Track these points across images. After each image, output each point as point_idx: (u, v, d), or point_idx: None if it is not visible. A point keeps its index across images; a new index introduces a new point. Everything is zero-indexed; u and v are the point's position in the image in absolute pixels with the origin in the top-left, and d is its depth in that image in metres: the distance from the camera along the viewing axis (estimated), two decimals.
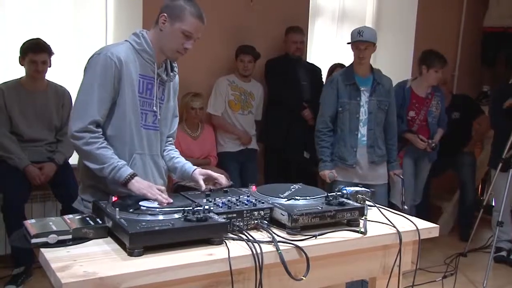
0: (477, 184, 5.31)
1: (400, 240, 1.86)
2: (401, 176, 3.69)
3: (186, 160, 2.31)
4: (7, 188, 3.28)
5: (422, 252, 4.46)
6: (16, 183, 3.26)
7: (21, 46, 3.29)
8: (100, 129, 2.00)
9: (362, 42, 3.42)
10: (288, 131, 4.23)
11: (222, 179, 2.13)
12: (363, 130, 3.54)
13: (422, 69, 4.12)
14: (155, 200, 1.84)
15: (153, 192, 1.88)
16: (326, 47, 5.23)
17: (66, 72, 3.86)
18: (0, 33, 3.68)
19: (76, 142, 1.96)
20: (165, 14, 2.04)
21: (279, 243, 1.64)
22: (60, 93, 3.48)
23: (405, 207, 3.66)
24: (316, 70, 4.54)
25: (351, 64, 3.61)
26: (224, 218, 1.69)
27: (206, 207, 1.67)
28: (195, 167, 2.21)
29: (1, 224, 3.34)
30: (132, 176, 1.94)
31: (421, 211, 4.29)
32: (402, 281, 2.15)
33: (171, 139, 2.34)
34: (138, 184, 1.93)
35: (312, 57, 5.03)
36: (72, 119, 1.99)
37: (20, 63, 3.32)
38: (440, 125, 4.27)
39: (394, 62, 5.32)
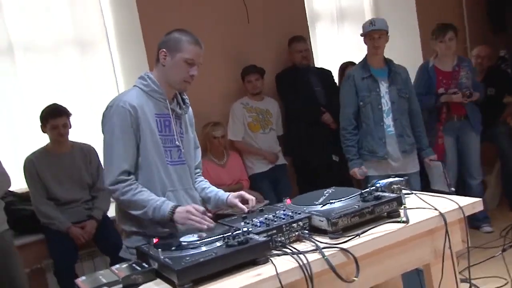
0: None
1: (445, 221, 1.83)
2: (437, 160, 3.65)
3: (219, 188, 2.34)
4: (55, 253, 3.36)
5: (474, 231, 4.38)
6: (63, 246, 3.34)
7: (40, 115, 3.39)
8: (132, 176, 2.04)
9: (375, 31, 3.46)
10: (312, 139, 4.21)
11: (252, 202, 2.14)
12: (387, 120, 3.52)
13: (435, 45, 4.10)
14: (197, 225, 1.86)
15: (194, 218, 1.90)
16: (332, 49, 5.23)
17: (86, 129, 3.95)
18: (18, 105, 3.80)
19: (113, 195, 2.04)
20: (164, 50, 2.10)
21: (323, 250, 1.63)
22: (86, 150, 3.57)
23: (452, 189, 3.60)
24: (326, 74, 4.54)
25: (365, 58, 3.62)
26: (265, 237, 1.69)
27: (245, 229, 1.68)
28: (228, 193, 2.24)
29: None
30: (173, 210, 1.97)
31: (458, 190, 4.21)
32: (460, 263, 2.11)
33: (198, 170, 2.37)
34: (180, 217, 1.96)
35: (320, 61, 5.04)
36: (104, 174, 2.07)
37: (42, 130, 3.42)
38: (475, 91, 4.15)
39: (403, 50, 5.27)
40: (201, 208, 1.98)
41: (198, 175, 2.37)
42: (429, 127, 4.15)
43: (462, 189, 4.26)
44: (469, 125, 4.17)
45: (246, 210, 2.09)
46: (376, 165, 3.52)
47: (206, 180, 2.39)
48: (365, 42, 3.58)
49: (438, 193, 2.19)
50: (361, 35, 3.58)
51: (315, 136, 4.22)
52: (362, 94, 3.51)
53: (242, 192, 2.20)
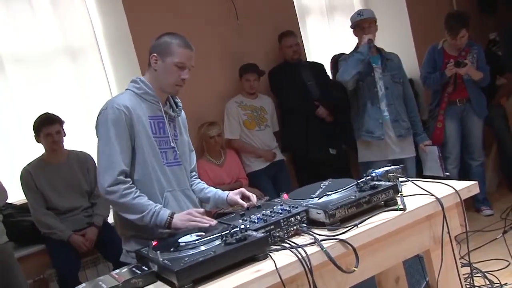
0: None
1: (442, 206, 1.83)
2: (432, 144, 3.68)
3: (218, 187, 2.35)
4: (58, 263, 3.36)
5: (475, 214, 4.42)
6: (65, 255, 3.33)
7: (33, 125, 3.39)
8: (129, 179, 2.04)
9: (364, 21, 3.49)
10: (308, 134, 4.21)
11: (253, 198, 2.15)
12: (382, 105, 3.57)
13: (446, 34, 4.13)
14: (200, 224, 1.86)
15: (196, 218, 1.91)
16: (323, 42, 5.23)
17: (81, 136, 3.95)
18: (12, 117, 3.79)
19: (111, 197, 2.00)
20: (155, 54, 2.10)
21: (322, 242, 1.63)
22: (82, 158, 3.56)
23: (447, 173, 3.64)
24: (318, 67, 4.53)
25: (356, 47, 3.65)
26: (263, 232, 1.69)
27: (243, 226, 1.68)
28: (227, 191, 2.24)
29: None
30: (172, 216, 1.98)
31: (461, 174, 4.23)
32: (462, 247, 2.11)
33: (194, 173, 2.38)
34: (180, 220, 1.97)
35: (312, 55, 5.03)
36: (100, 176, 2.03)
37: (36, 141, 3.42)
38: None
39: (394, 39, 5.28)
40: (201, 210, 1.99)
41: (195, 178, 2.37)
42: (433, 111, 4.19)
43: (463, 171, 4.29)
44: (471, 109, 4.18)
45: (246, 206, 2.09)
46: (373, 147, 3.58)
47: (203, 181, 2.39)
48: (355, 34, 3.61)
49: (432, 178, 2.19)
50: (351, 27, 3.60)
51: (311, 131, 4.22)
52: (361, 75, 3.56)
53: (243, 189, 2.21)
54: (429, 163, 3.73)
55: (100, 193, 2.06)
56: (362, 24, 3.53)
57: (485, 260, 3.23)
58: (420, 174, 3.76)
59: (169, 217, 1.98)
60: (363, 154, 3.75)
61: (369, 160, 3.66)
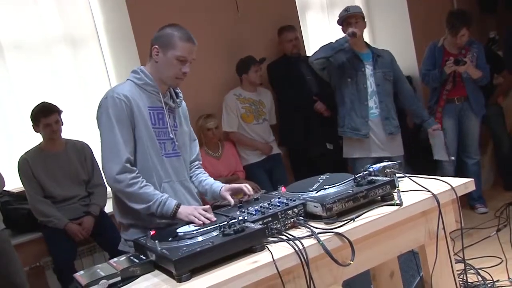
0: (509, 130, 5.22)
1: (438, 202, 1.84)
2: (440, 129, 3.71)
3: (216, 180, 2.34)
4: (54, 251, 3.38)
5: (469, 212, 4.45)
6: (61, 243, 3.35)
7: (31, 115, 3.38)
8: (135, 167, 2.04)
9: (351, 16, 3.50)
10: (306, 128, 4.22)
11: (247, 187, 2.15)
12: (371, 103, 3.58)
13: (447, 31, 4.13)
14: (201, 224, 1.87)
15: (199, 216, 1.91)
16: (322, 37, 5.22)
17: (79, 126, 3.96)
18: (11, 105, 3.79)
19: (118, 185, 2.00)
20: (156, 46, 2.10)
21: (319, 235, 1.65)
22: (80, 148, 3.57)
23: (452, 158, 3.67)
24: None
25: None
26: (261, 224, 1.71)
27: (240, 218, 1.69)
28: (222, 185, 2.25)
29: (57, 285, 3.43)
30: (178, 206, 2.00)
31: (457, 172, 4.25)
32: (457, 244, 2.13)
33: (197, 162, 2.37)
34: (185, 211, 1.98)
35: (311, 50, 5.02)
36: (106, 165, 2.03)
37: (34, 130, 3.41)
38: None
39: (394, 37, 5.29)
40: (207, 206, 1.98)
41: (197, 168, 2.37)
42: (431, 108, 4.21)
43: (459, 169, 4.32)
44: (469, 107, 4.21)
45: (232, 203, 2.08)
46: (359, 144, 3.58)
47: (205, 172, 2.39)
48: (343, 31, 3.62)
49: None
50: (338, 23, 3.63)
51: (309, 125, 4.23)
52: (349, 71, 3.56)
53: (234, 185, 2.22)
54: (436, 148, 3.76)
55: (107, 182, 2.05)
56: (349, 19, 3.54)
57: (479, 257, 3.26)
58: (414, 172, 3.78)
59: (175, 207, 1.99)
60: (347, 150, 3.75)
61: (352, 156, 3.68)
